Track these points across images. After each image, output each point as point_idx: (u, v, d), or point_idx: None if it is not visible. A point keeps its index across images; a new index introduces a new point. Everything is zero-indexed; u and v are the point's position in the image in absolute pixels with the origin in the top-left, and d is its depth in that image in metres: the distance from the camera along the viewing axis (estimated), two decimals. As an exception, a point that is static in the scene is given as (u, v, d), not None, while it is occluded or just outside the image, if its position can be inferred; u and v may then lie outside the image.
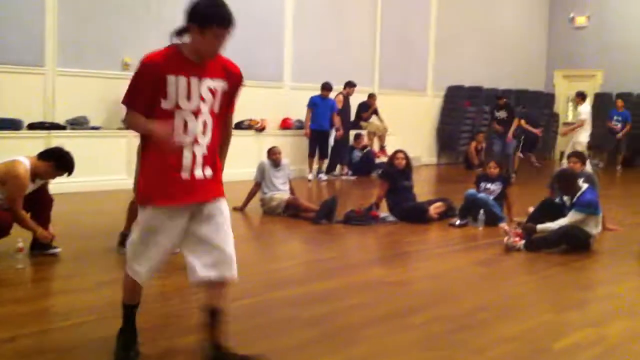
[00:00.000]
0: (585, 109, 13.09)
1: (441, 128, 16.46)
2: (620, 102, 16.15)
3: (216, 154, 3.26)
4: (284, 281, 5.24)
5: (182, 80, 3.07)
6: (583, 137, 12.78)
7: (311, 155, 12.26)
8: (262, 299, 4.66)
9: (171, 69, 3.04)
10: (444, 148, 16.64)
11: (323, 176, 12.29)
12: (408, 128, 14.71)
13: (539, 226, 6.70)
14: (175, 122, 3.08)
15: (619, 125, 15.98)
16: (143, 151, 3.22)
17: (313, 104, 12.15)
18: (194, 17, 3.02)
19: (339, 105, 12.39)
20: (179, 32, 3.11)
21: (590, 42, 18.30)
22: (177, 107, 3.08)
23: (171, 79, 3.04)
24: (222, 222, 3.26)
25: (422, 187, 11.33)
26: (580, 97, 13.32)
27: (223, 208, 3.28)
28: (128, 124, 3.18)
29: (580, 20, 18.64)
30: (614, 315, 4.52)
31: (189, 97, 3.09)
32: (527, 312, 4.54)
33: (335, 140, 12.48)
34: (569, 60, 18.77)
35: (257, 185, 8.41)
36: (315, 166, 12.36)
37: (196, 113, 3.12)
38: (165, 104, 3.07)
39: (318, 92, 12.25)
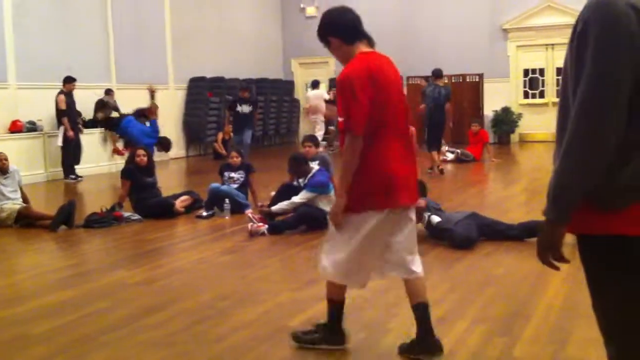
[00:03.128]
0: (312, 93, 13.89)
1: (187, 120, 16.41)
2: None
3: None
4: (13, 298, 4.86)
5: None
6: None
7: None
8: (-14, 320, 4.27)
9: None
10: (191, 140, 16.62)
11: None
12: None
13: (274, 207, 6.98)
14: None
15: None
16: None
17: None
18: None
19: (62, 106, 11.71)
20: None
21: (321, 31, 19.38)
22: None
23: None
24: None
25: (171, 181, 11.22)
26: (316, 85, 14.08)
27: None
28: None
29: (310, 11, 19.65)
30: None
31: None
32: (266, 295, 4.68)
33: (66, 141, 11.81)
34: (303, 48, 19.72)
35: (-17, 196, 7.68)
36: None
37: None
38: None
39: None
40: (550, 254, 1.93)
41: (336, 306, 3.58)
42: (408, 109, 3.46)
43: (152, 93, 11.35)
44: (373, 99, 3.18)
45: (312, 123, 17.00)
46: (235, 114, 12.98)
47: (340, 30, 3.38)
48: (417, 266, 3.48)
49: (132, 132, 11.00)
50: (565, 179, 1.82)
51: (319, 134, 15.63)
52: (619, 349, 1.94)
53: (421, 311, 3.47)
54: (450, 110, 11.80)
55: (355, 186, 3.23)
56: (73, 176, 11.84)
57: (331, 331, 3.59)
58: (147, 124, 11.10)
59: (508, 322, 3.97)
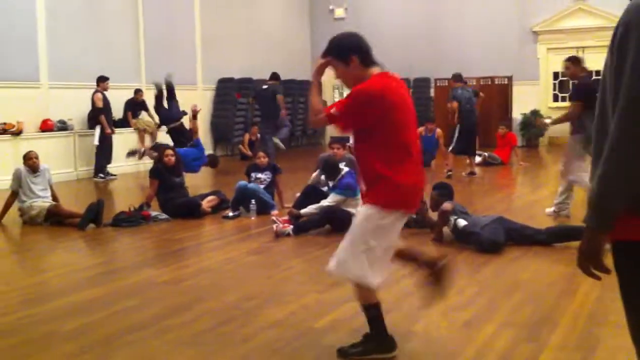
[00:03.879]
0: None
1: (215, 121, 16.51)
2: None
3: None
4: (43, 295, 4.92)
5: None
6: None
7: None
8: (15, 317, 4.33)
9: None
10: (219, 141, 16.71)
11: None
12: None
13: (303, 211, 6.98)
14: None
15: None
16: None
17: None
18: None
19: (100, 104, 11.87)
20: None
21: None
22: None
23: None
24: None
25: (197, 181, 11.28)
26: None
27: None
28: None
29: (339, 12, 19.66)
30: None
31: None
32: (292, 296, 4.69)
33: (102, 140, 11.97)
34: (331, 49, 19.75)
35: (14, 194, 7.80)
36: None
37: None
38: None
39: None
40: (591, 264, 1.88)
41: (372, 311, 3.51)
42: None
43: (194, 113, 11.49)
44: (377, 117, 3.32)
45: None
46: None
47: (363, 51, 3.44)
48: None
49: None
50: (607, 185, 1.78)
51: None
52: None
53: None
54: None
55: (386, 192, 3.35)
56: (102, 175, 11.99)
57: (380, 338, 3.53)
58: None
59: (535, 327, 3.92)
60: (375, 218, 3.35)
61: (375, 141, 3.35)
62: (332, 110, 3.43)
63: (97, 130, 11.90)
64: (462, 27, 18.08)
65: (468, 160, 11.80)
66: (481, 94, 12.97)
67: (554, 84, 17.61)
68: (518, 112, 17.31)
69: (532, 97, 17.39)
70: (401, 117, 3.37)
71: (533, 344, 3.66)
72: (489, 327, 3.93)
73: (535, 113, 17.10)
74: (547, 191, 10.10)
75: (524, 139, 17.02)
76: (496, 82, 17.39)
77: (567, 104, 17.21)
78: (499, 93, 17.27)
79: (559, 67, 17.44)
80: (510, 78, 17.41)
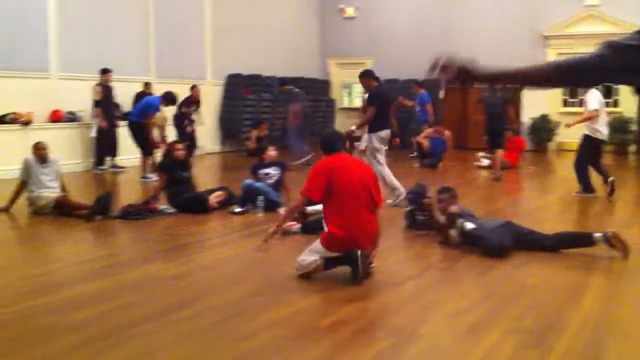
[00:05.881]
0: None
1: (223, 116, 16.51)
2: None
3: None
4: (47, 286, 4.92)
5: None
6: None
7: None
8: (19, 307, 4.34)
9: None
10: (227, 136, 16.72)
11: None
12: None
13: (309, 208, 6.96)
14: None
15: None
16: None
17: None
18: None
19: (97, 97, 11.87)
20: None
21: (359, 32, 19.40)
22: None
23: None
24: None
25: (205, 176, 11.30)
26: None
27: None
28: None
29: (349, 11, 19.63)
30: (375, 290, 4.80)
31: None
32: (297, 295, 4.68)
33: (100, 132, 11.97)
34: (340, 49, 19.74)
35: (23, 184, 7.82)
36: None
37: None
38: None
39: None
40: None
41: None
42: None
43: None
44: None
45: None
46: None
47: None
48: None
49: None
50: None
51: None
52: None
53: None
54: (511, 112, 12.31)
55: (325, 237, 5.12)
56: (102, 167, 12.00)
57: None
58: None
59: (541, 334, 3.90)
60: (321, 250, 4.94)
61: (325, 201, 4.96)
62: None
63: (95, 122, 11.91)
64: (473, 29, 18.03)
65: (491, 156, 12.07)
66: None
67: (564, 89, 17.53)
68: (527, 116, 17.25)
69: (542, 102, 17.33)
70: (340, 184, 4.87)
71: (538, 350, 3.64)
72: (494, 333, 3.91)
73: (545, 118, 17.07)
74: (556, 196, 10.08)
75: (532, 143, 16.96)
76: (506, 87, 17.29)
77: (577, 109, 17.25)
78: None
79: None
80: (520, 82, 17.32)
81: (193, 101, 12.89)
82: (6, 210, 7.74)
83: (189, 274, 5.32)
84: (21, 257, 6.18)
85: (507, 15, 17.58)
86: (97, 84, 11.91)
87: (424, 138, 13.32)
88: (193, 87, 13.03)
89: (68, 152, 11.61)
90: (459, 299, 4.61)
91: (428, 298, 4.60)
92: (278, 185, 8.27)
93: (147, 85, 13.36)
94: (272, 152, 8.45)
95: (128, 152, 12.49)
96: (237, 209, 7.87)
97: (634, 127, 15.58)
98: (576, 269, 5.49)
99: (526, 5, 17.53)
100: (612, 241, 5.67)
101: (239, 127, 16.38)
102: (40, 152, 7.83)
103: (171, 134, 11.99)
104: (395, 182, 8.38)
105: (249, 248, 6.26)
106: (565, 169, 14.27)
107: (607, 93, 15.40)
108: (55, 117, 11.88)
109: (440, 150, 13.13)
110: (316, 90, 18.84)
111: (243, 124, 16.38)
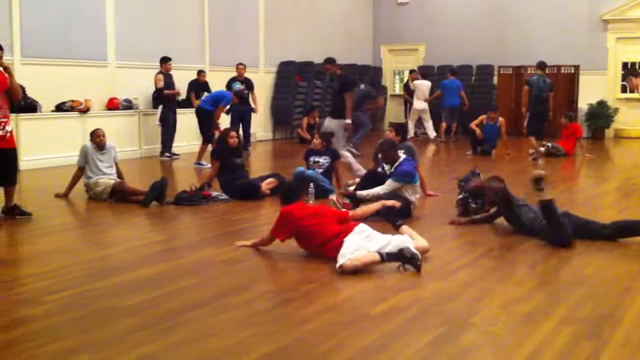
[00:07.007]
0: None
1: (275, 104, 16.60)
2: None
3: None
4: (106, 270, 5.05)
5: None
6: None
7: None
8: (81, 290, 4.46)
9: None
10: (278, 123, 16.81)
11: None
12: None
13: (359, 192, 6.97)
14: None
15: None
16: None
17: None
18: None
19: (159, 85, 12.05)
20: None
21: (412, 18, 19.22)
22: None
23: None
24: None
25: (257, 163, 11.40)
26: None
27: None
28: None
29: (403, -3, 19.48)
30: (428, 278, 4.78)
31: None
32: (350, 281, 4.69)
33: (164, 119, 12.13)
34: (393, 35, 19.60)
35: (81, 170, 8.03)
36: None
37: None
38: None
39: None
40: None
41: None
42: None
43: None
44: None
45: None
46: None
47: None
48: None
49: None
50: None
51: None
52: None
53: None
54: (552, 99, 12.70)
55: None
56: (168, 154, 12.21)
57: None
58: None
59: (597, 324, 3.83)
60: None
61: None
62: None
63: (159, 110, 12.10)
64: (528, 13, 17.67)
65: (535, 143, 12.34)
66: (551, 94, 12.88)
67: (623, 75, 17.04)
68: (584, 102, 16.85)
69: (600, 87, 16.90)
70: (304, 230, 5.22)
71: (594, 341, 3.58)
72: (549, 322, 3.85)
73: (602, 104, 16.64)
74: (613, 185, 9.84)
75: (589, 130, 16.57)
76: (562, 72, 16.91)
77: (636, 95, 16.76)
78: (564, 82, 16.80)
79: (628, 57, 16.94)
80: (577, 67, 16.93)
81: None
82: (65, 196, 7.96)
83: (243, 259, 5.37)
84: (80, 241, 6.34)
85: (566, -1, 17.19)
86: (159, 72, 12.11)
87: (476, 125, 13.15)
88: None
89: (124, 139, 11.85)
90: (512, 287, 4.56)
91: (481, 286, 4.55)
92: (328, 173, 8.29)
93: (200, 73, 13.52)
94: (316, 141, 8.47)
95: (183, 139, 12.70)
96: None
97: None
98: (633, 258, 5.36)
99: (585, -12, 17.09)
100: None
101: (290, 114, 16.45)
102: (97, 139, 8.02)
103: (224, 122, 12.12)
104: (357, 165, 9.15)
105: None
106: (623, 156, 13.95)
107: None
108: (112, 105, 12.13)
109: (494, 137, 12.93)
110: (368, 77, 18.75)
111: (294, 112, 16.45)
